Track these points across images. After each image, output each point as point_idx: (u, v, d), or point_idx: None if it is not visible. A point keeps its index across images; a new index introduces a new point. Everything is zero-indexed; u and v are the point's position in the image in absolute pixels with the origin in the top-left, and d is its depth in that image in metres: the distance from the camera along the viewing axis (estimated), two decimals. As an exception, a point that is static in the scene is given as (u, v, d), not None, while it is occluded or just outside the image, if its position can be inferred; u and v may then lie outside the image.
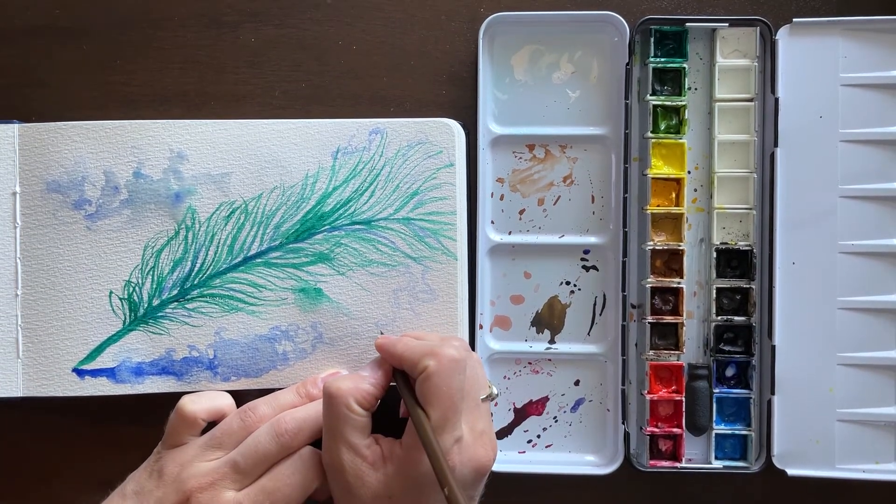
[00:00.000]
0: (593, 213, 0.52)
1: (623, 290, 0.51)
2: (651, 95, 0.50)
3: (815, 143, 0.50)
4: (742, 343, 0.51)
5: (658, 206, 0.51)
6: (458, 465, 0.42)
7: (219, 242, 0.51)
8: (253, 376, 0.50)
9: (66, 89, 0.52)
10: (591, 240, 0.52)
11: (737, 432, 0.51)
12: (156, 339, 0.50)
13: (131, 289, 0.50)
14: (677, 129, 0.51)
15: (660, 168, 0.51)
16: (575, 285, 0.52)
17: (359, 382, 0.45)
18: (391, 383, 0.46)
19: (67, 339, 0.50)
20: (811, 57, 0.50)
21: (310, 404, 0.47)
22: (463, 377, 0.43)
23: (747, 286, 0.51)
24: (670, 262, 0.51)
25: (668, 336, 0.51)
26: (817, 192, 0.50)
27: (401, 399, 0.46)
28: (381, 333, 0.50)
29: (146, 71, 0.52)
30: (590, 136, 0.51)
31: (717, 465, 0.51)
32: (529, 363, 0.52)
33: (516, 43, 0.51)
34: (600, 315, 0.52)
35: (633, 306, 0.52)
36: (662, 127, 0.51)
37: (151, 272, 0.50)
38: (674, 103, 0.50)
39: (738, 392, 0.51)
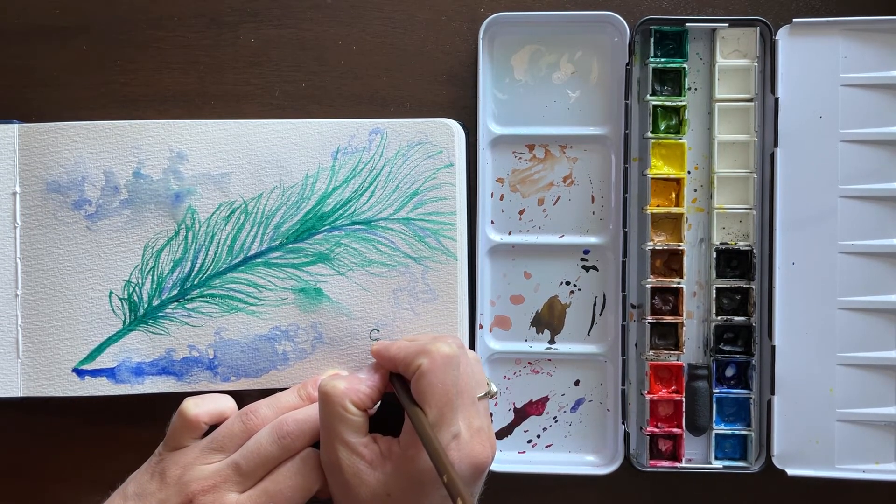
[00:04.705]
0: (593, 213, 0.52)
1: (623, 290, 0.51)
2: (651, 95, 0.50)
3: (815, 143, 0.50)
4: (742, 343, 0.51)
5: (658, 206, 0.51)
6: (456, 462, 0.42)
7: (219, 242, 0.51)
8: (253, 376, 0.50)
9: (66, 89, 0.52)
10: (591, 240, 0.52)
11: (737, 432, 0.51)
12: (156, 339, 0.50)
13: (131, 289, 0.50)
14: (677, 129, 0.51)
15: (660, 168, 0.51)
16: (575, 285, 0.52)
17: (355, 384, 0.45)
18: (390, 391, 0.46)
19: (67, 339, 0.50)
20: (811, 57, 0.50)
21: (311, 406, 0.47)
22: (457, 373, 0.43)
23: (747, 286, 0.51)
24: (670, 262, 0.51)
25: (668, 336, 0.51)
26: (817, 192, 0.50)
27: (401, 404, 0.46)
28: (375, 339, 0.50)
29: (146, 71, 0.52)
30: (590, 136, 0.51)
31: (717, 465, 0.51)
32: (529, 363, 0.52)
33: (516, 43, 0.51)
34: (600, 315, 0.52)
35: (633, 306, 0.52)
36: (662, 127, 0.51)
37: (151, 272, 0.50)
38: (674, 103, 0.50)
39: (738, 392, 0.51)
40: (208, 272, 0.50)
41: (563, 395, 0.52)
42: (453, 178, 0.50)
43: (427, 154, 0.50)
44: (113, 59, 0.52)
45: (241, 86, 0.52)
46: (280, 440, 0.46)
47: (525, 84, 0.52)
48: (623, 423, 0.51)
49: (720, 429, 0.51)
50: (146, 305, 0.50)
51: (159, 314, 0.50)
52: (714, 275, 0.51)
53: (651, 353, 0.51)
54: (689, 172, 0.51)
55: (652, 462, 0.51)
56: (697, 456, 0.52)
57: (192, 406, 0.47)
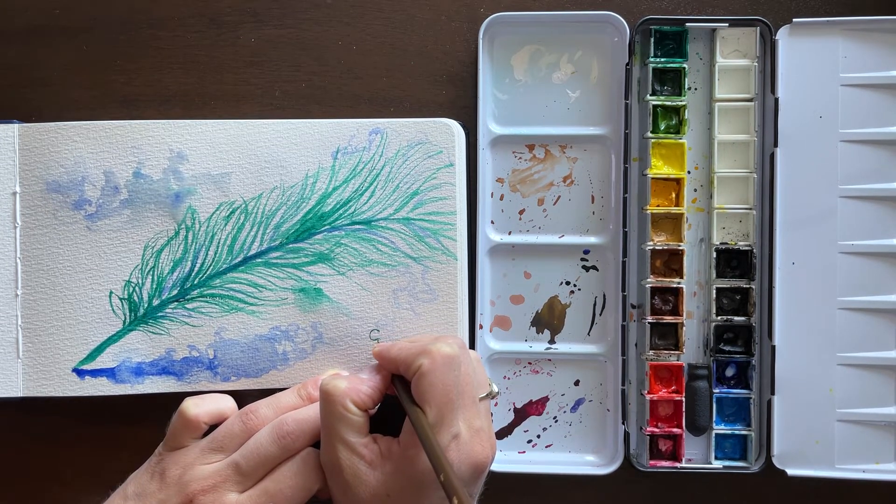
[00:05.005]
0: (593, 213, 0.52)
1: (623, 290, 0.51)
2: (651, 95, 0.50)
3: (815, 143, 0.50)
4: (742, 343, 0.51)
5: (658, 206, 0.51)
6: (456, 463, 0.42)
7: (219, 242, 0.51)
8: (253, 376, 0.50)
9: (66, 89, 0.52)
10: (591, 240, 0.52)
11: (737, 432, 0.51)
12: (156, 339, 0.50)
13: (131, 289, 0.50)
14: (677, 129, 0.51)
15: (660, 168, 0.51)
16: (575, 285, 0.52)
17: (356, 384, 0.45)
18: (391, 391, 0.46)
19: (67, 339, 0.50)
20: (811, 57, 0.50)
21: (311, 406, 0.47)
22: (458, 373, 0.43)
23: (747, 286, 0.51)
24: (670, 262, 0.51)
25: (668, 336, 0.51)
26: (817, 192, 0.50)
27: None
28: (376, 340, 0.50)
29: (146, 71, 0.52)
30: (590, 136, 0.51)
31: (717, 465, 0.51)
32: (529, 363, 0.52)
33: (516, 43, 0.51)
34: (600, 315, 0.52)
35: (633, 306, 0.52)
36: (662, 127, 0.51)
37: (151, 272, 0.50)
38: (674, 103, 0.50)
39: (738, 392, 0.51)
40: (208, 272, 0.50)
41: (563, 395, 0.52)
42: (453, 178, 0.50)
43: (427, 154, 0.50)
44: (113, 59, 0.52)
45: (241, 86, 0.52)
46: (280, 440, 0.46)
47: (525, 84, 0.52)
48: (623, 423, 0.51)
49: (720, 429, 0.51)
50: (146, 305, 0.50)
51: (159, 314, 0.50)
52: (714, 275, 0.51)
53: (651, 353, 0.51)
54: (689, 172, 0.51)
55: (652, 462, 0.51)
56: (697, 456, 0.52)
57: (192, 406, 0.47)
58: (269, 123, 0.51)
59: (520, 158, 0.52)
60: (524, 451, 0.52)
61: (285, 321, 0.50)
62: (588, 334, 0.52)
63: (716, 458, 0.51)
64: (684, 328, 0.51)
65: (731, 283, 0.51)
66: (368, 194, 0.50)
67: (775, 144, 0.50)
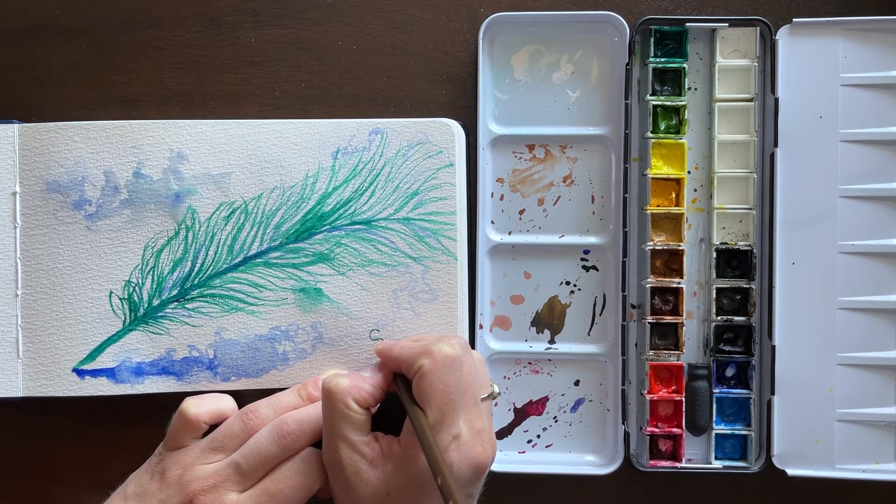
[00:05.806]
0: (593, 213, 0.52)
1: (623, 290, 0.51)
2: (651, 95, 0.51)
3: (815, 143, 0.50)
4: (742, 343, 0.51)
5: (658, 206, 0.51)
6: (457, 463, 0.42)
7: (219, 242, 0.51)
8: (253, 376, 0.50)
9: (66, 89, 0.52)
10: (591, 240, 0.52)
11: (737, 432, 0.51)
12: (156, 339, 0.50)
13: (131, 289, 0.50)
14: (677, 129, 0.51)
15: (660, 168, 0.51)
16: (575, 285, 0.52)
17: (358, 382, 0.45)
18: (393, 390, 0.46)
19: (67, 339, 0.50)
20: (811, 57, 0.50)
21: (311, 406, 0.47)
22: (459, 374, 0.43)
23: (747, 286, 0.51)
24: (670, 262, 0.51)
25: (668, 336, 0.51)
26: (817, 192, 0.50)
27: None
28: (377, 340, 0.50)
29: (146, 71, 0.52)
30: (590, 136, 0.51)
31: (717, 465, 0.51)
32: (529, 363, 0.52)
33: (516, 43, 0.51)
34: (600, 315, 0.52)
35: (633, 306, 0.52)
36: (662, 127, 0.51)
37: (151, 272, 0.50)
38: (674, 103, 0.50)
39: (738, 392, 0.51)
40: (208, 272, 0.51)
41: (563, 395, 0.52)
42: (453, 178, 0.50)
43: (427, 154, 0.50)
44: (113, 59, 0.52)
45: (241, 86, 0.52)
46: (280, 440, 0.46)
47: (525, 84, 0.52)
48: (623, 423, 0.51)
49: (720, 429, 0.51)
50: (146, 305, 0.50)
51: (159, 314, 0.50)
52: (714, 275, 0.51)
53: (651, 353, 0.51)
54: (689, 172, 0.51)
55: (652, 462, 0.51)
56: (697, 456, 0.52)
57: (192, 406, 0.47)
58: (269, 123, 0.51)
59: (520, 158, 0.52)
60: (524, 451, 0.52)
61: (285, 321, 0.50)
62: (588, 334, 0.52)
63: (716, 458, 0.51)
64: (684, 328, 0.51)
65: (731, 283, 0.51)
66: (368, 194, 0.50)
67: (775, 144, 0.50)
